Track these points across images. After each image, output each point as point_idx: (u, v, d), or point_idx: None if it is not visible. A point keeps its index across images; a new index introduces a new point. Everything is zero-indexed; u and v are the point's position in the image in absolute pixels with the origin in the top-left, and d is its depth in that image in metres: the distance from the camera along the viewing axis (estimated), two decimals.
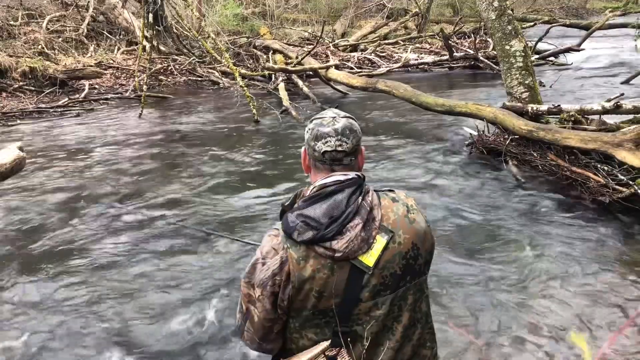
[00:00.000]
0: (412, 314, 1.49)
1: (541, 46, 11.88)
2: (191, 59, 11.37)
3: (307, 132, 1.53)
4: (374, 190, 1.51)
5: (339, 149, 1.48)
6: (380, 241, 1.42)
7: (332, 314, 1.43)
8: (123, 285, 3.25)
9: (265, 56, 11.59)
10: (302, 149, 1.58)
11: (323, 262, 1.40)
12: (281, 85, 9.11)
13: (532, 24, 15.21)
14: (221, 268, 3.43)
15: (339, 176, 1.48)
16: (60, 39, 11.56)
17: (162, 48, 11.58)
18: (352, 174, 1.49)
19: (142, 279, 3.33)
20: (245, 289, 1.48)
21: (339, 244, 1.38)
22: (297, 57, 10.31)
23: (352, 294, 1.41)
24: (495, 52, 7.93)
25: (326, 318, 1.44)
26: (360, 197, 1.44)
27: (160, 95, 9.67)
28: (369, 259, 1.40)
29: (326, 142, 1.47)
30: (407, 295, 1.48)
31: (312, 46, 10.97)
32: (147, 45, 9.77)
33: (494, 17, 5.93)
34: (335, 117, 1.52)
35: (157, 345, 2.70)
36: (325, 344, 1.44)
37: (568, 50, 11.46)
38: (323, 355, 1.43)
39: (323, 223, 1.39)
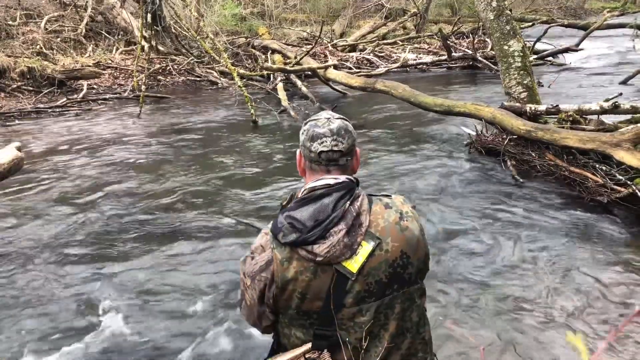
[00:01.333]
0: (400, 322, 1.47)
1: (539, 46, 11.89)
2: (190, 59, 11.36)
3: (302, 133, 1.53)
4: (368, 195, 1.50)
5: (335, 148, 1.48)
6: (366, 247, 1.40)
7: (316, 317, 1.43)
8: (131, 283, 3.26)
9: (263, 56, 11.59)
10: (297, 152, 1.57)
11: (306, 265, 1.40)
12: (280, 85, 9.10)
13: (530, 24, 15.23)
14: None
15: (329, 180, 1.48)
16: (59, 39, 11.54)
17: (160, 48, 11.56)
18: (343, 178, 1.49)
19: (153, 276, 3.33)
20: (241, 274, 1.53)
21: (320, 248, 1.38)
22: (295, 57, 10.30)
23: (335, 299, 1.41)
24: (493, 52, 7.93)
25: (310, 320, 1.44)
26: (348, 202, 1.42)
27: (159, 95, 9.66)
28: (353, 264, 1.39)
29: (322, 142, 1.47)
30: (394, 304, 1.46)
31: (310, 46, 10.96)
32: (146, 45, 9.77)
33: (492, 17, 5.94)
34: (329, 118, 1.52)
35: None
36: (307, 346, 1.44)
37: (566, 50, 11.47)
38: (303, 358, 1.43)
39: (307, 226, 1.38)
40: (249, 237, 3.80)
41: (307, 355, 1.43)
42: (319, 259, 1.38)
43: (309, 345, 1.44)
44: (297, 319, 1.45)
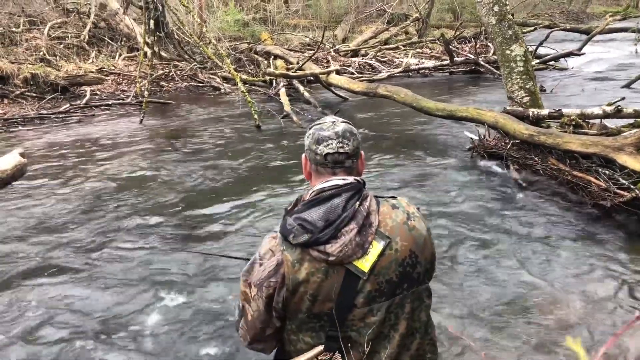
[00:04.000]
0: (410, 322, 1.48)
1: (542, 51, 11.90)
2: (192, 64, 11.40)
3: (308, 137, 1.54)
4: (375, 196, 1.51)
5: (341, 150, 1.49)
6: (377, 247, 1.41)
7: (327, 318, 1.43)
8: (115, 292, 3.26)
9: (266, 62, 11.63)
10: (303, 156, 1.58)
11: (317, 266, 1.40)
12: (282, 91, 9.12)
13: (532, 28, 15.27)
14: (213, 279, 3.43)
15: (337, 180, 1.48)
16: (62, 46, 11.62)
17: (163, 54, 11.62)
18: (351, 179, 1.49)
19: (141, 284, 3.33)
20: (242, 287, 1.51)
21: (332, 248, 1.38)
22: (298, 63, 10.34)
23: (346, 299, 1.41)
24: (495, 57, 7.94)
25: (321, 322, 1.44)
26: (358, 202, 1.43)
27: (162, 101, 9.69)
28: (364, 264, 1.40)
29: (328, 144, 1.48)
30: (405, 304, 1.46)
31: (313, 51, 11.00)
32: (149, 51, 9.81)
33: (494, 22, 5.94)
34: (334, 121, 1.54)
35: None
36: (318, 348, 1.44)
37: (569, 54, 11.47)
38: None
39: (318, 227, 1.39)
40: (249, 239, 3.80)
41: (319, 358, 1.43)
42: (331, 258, 1.38)
43: (321, 347, 1.44)
44: (306, 322, 1.45)
